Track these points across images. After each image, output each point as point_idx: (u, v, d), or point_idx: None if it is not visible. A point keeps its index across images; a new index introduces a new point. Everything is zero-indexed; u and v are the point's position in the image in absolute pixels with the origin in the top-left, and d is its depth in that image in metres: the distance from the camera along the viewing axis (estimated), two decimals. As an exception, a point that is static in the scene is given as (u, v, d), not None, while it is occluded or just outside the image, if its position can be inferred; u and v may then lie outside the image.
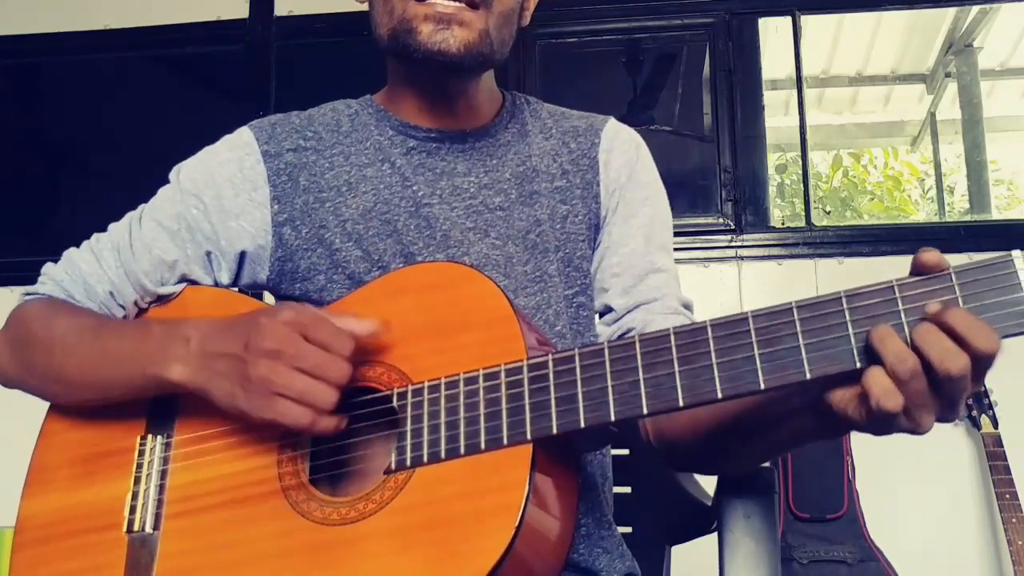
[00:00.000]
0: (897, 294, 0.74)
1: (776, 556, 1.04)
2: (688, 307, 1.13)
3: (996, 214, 5.23)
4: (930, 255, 0.74)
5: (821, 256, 2.81)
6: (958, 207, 6.12)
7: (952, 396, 0.72)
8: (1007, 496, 2.43)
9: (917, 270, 0.75)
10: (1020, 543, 2.36)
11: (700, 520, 1.21)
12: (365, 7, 1.14)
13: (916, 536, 2.59)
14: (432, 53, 1.03)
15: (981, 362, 0.71)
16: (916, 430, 0.74)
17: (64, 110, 3.37)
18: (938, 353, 0.71)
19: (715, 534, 1.09)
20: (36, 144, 3.43)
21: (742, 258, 2.85)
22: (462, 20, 1.02)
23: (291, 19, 3.14)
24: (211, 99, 3.33)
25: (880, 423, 0.74)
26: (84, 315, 1.06)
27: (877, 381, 0.72)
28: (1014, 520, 2.39)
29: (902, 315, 0.74)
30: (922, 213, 7.07)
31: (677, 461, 1.09)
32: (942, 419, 0.74)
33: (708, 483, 1.21)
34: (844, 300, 0.76)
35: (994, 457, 2.49)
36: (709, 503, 1.22)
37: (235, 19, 3.14)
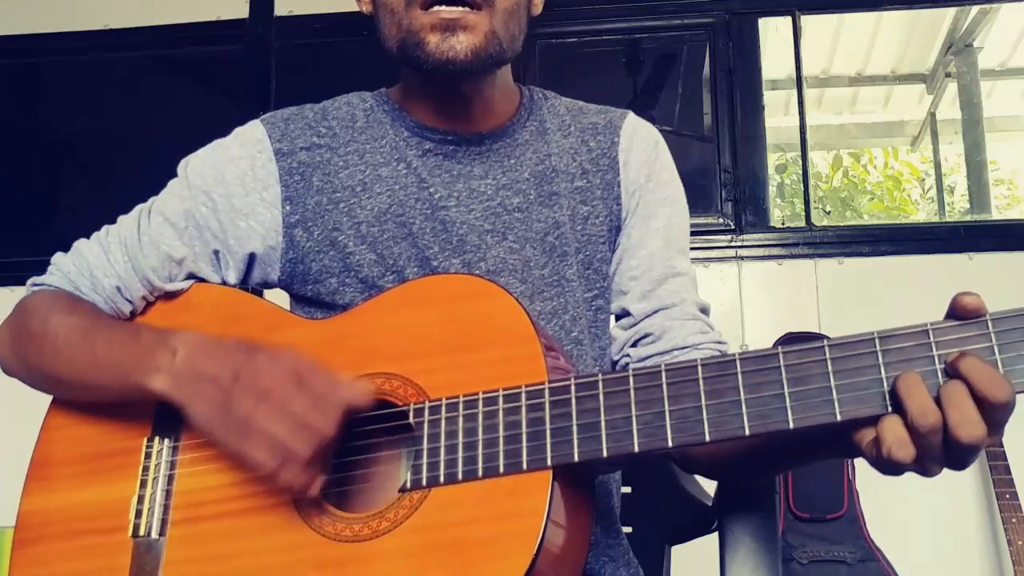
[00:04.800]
0: (932, 339, 0.73)
1: (776, 556, 1.04)
2: (705, 311, 1.12)
3: (996, 214, 5.23)
4: (971, 299, 0.73)
5: (821, 256, 2.80)
6: (958, 207, 6.11)
7: (963, 457, 0.73)
8: (1007, 496, 2.43)
9: (954, 312, 0.74)
10: (1020, 543, 2.36)
11: (700, 520, 1.21)
12: (368, 9, 1.12)
13: (916, 536, 2.59)
14: (441, 63, 1.01)
15: (996, 415, 0.71)
16: (923, 474, 0.74)
17: (64, 110, 3.37)
18: (956, 418, 0.71)
19: (715, 534, 1.09)
20: (36, 144, 3.43)
21: (742, 258, 2.85)
22: (466, 24, 1.01)
23: (291, 19, 3.14)
24: (211, 99, 3.32)
25: (888, 468, 0.74)
26: (80, 313, 1.05)
27: (892, 430, 0.72)
28: (1014, 520, 2.39)
29: (936, 360, 0.73)
30: (922, 213, 7.06)
31: (687, 466, 1.09)
32: (952, 468, 0.74)
33: (708, 483, 1.21)
34: (877, 341, 0.75)
35: (994, 457, 2.48)
36: (709, 503, 1.22)
37: (235, 19, 3.14)
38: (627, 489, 1.33)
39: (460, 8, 1.01)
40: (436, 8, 1.01)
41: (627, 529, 1.28)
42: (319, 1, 3.08)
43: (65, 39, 3.18)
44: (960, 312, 0.73)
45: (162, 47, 3.22)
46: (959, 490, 2.63)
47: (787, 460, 0.95)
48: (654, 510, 1.32)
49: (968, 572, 2.60)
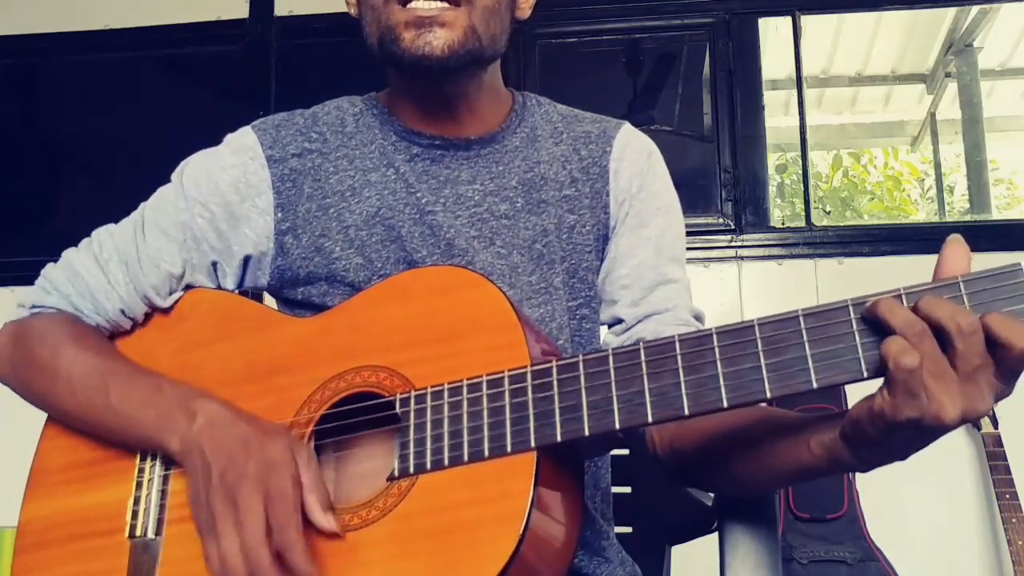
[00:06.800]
0: (905, 304, 0.73)
1: (776, 556, 1.04)
2: (699, 318, 1.12)
3: (996, 214, 5.23)
4: (957, 244, 0.76)
5: (821, 256, 2.81)
6: (958, 207, 6.12)
7: (967, 361, 0.71)
8: (1007, 496, 2.43)
9: (944, 255, 0.76)
10: (1020, 543, 2.36)
11: (700, 520, 1.21)
12: (355, 12, 1.11)
13: (916, 536, 2.59)
14: (416, 58, 1.01)
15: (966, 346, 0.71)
16: (940, 415, 0.71)
17: (64, 110, 3.37)
18: (947, 311, 0.71)
19: (715, 534, 1.09)
20: (36, 144, 3.43)
21: (742, 258, 2.85)
22: (443, 21, 1.00)
23: (291, 19, 3.14)
24: (211, 99, 3.33)
25: (905, 396, 0.71)
26: (93, 349, 1.03)
27: (893, 341, 0.71)
28: (1014, 520, 2.39)
29: None
30: (922, 213, 7.06)
31: (681, 475, 1.07)
32: (968, 409, 0.72)
33: (708, 483, 1.21)
34: (851, 309, 0.75)
35: (994, 457, 2.49)
36: (709, 503, 1.22)
37: (235, 19, 3.15)
38: (627, 489, 1.33)
39: (437, 5, 1.00)
40: (413, 4, 1.00)
41: (627, 529, 1.28)
42: (319, 1, 3.09)
43: (65, 39, 3.19)
44: (947, 252, 0.76)
45: (162, 47, 3.23)
46: (959, 490, 2.63)
47: (779, 462, 0.89)
48: (654, 510, 1.32)
49: (968, 572, 2.60)
